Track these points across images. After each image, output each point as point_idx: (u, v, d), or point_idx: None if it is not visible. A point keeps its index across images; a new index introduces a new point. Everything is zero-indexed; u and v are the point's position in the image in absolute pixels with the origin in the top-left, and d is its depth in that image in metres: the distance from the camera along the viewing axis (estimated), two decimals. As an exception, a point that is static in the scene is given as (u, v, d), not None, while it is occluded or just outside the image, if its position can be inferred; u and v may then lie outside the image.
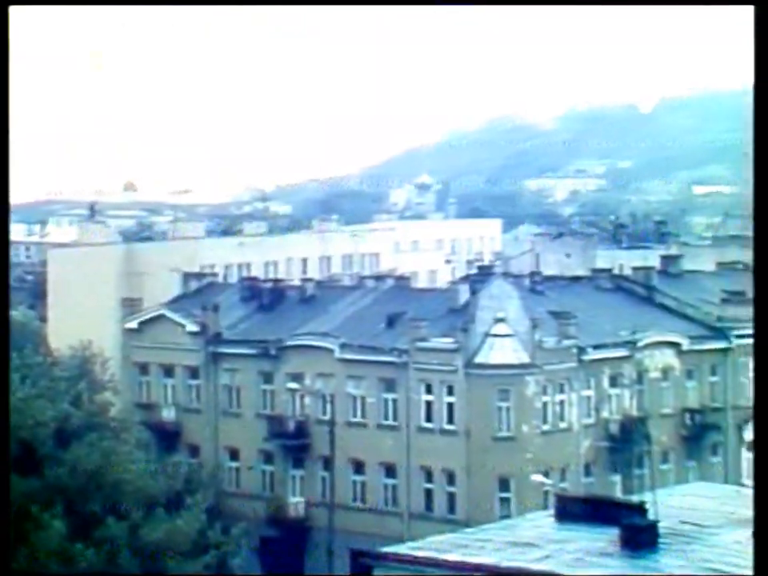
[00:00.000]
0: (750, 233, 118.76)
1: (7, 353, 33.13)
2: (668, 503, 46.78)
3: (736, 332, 70.47)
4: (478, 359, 62.74)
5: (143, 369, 74.76)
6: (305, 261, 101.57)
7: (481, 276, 71.25)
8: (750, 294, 74.23)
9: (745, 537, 42.76)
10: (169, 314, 74.38)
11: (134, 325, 75.28)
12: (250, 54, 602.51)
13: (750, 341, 70.52)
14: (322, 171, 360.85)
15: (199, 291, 78.40)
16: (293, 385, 68.37)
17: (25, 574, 46.13)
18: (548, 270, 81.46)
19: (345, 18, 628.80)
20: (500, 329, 62.84)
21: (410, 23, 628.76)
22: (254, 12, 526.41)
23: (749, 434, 70.71)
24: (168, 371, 73.60)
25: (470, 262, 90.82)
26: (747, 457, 70.51)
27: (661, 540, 41.50)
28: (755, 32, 24.64)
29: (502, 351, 62.85)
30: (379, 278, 78.83)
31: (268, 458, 69.86)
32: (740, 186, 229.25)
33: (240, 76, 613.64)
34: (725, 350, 70.58)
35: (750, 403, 70.62)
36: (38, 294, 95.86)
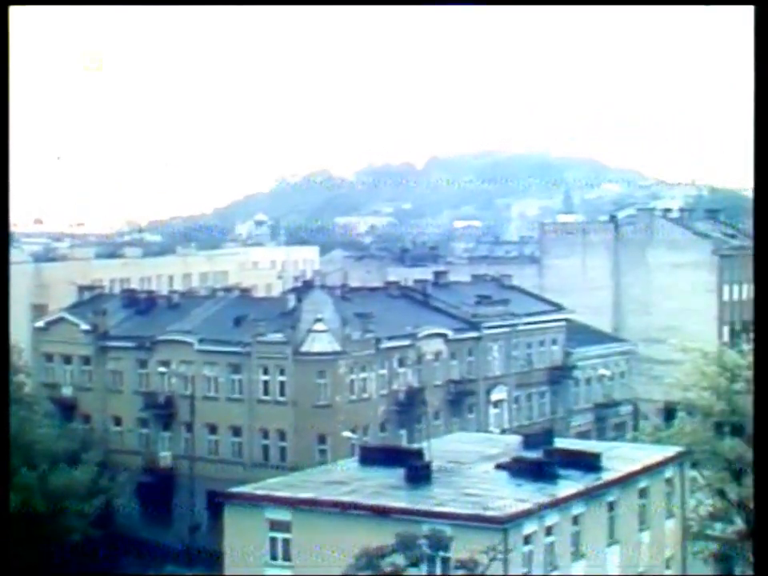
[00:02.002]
0: (496, 254, 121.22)
1: (7, 353, 30.06)
2: (439, 449, 48.06)
3: (485, 324, 72.39)
4: (303, 348, 63.02)
5: (48, 357, 73.46)
6: (171, 277, 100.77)
7: (304, 288, 71.75)
8: (495, 298, 76.72)
9: (490, 468, 44.33)
10: (68, 316, 73.39)
11: (41, 324, 74.18)
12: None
13: (495, 330, 72.98)
14: (183, 210, 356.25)
15: (91, 300, 77.28)
16: (162, 369, 68.07)
17: (25, 573, 44.11)
18: (354, 283, 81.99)
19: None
20: (318, 326, 63.23)
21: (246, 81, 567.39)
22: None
23: (494, 396, 72.79)
24: (67, 359, 72.45)
25: (296, 278, 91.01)
26: (493, 412, 72.48)
27: (434, 475, 42.79)
28: (755, 32, 21.01)
29: (320, 342, 63.24)
30: (228, 289, 78.70)
31: (144, 423, 69.17)
32: (487, 221, 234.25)
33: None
34: (477, 338, 72.08)
35: (496, 374, 73.00)
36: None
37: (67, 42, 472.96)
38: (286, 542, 40.08)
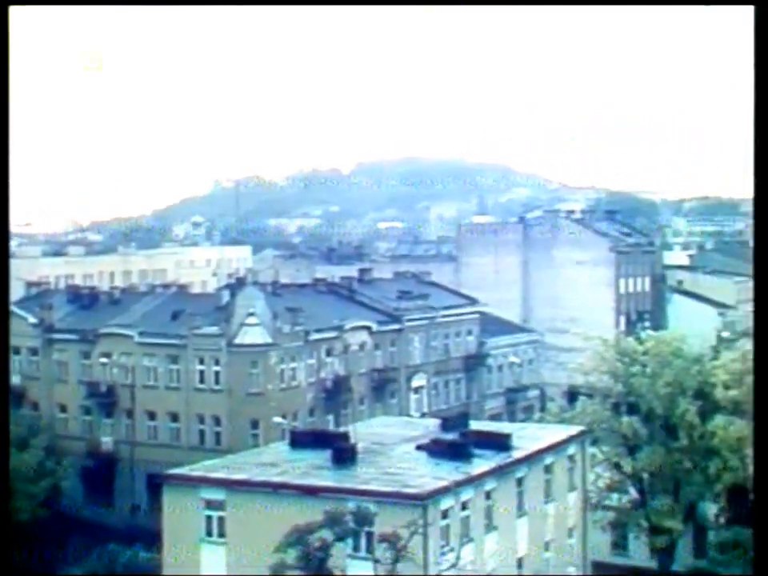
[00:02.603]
0: (416, 253, 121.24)
1: (7, 354, 27.91)
2: (364, 431, 47.95)
3: (406, 317, 72.40)
4: (236, 340, 62.41)
5: (-3, 350, 72.11)
6: (112, 274, 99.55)
7: (237, 285, 70.92)
8: (416, 293, 76.78)
9: (410, 449, 44.34)
10: (16, 310, 71.75)
11: (-10, 319, 72.63)
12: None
13: (415, 323, 73.05)
14: (123, 211, 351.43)
15: (37, 295, 75.87)
16: (104, 360, 66.94)
17: (25, 574, 42.86)
18: (284, 280, 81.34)
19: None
20: (251, 320, 62.71)
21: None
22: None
23: (414, 383, 72.81)
24: (16, 350, 70.62)
25: (230, 275, 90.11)
26: (413, 398, 72.54)
27: (359, 456, 42.66)
28: (755, 32, 19.42)
29: (253, 335, 62.68)
30: (166, 286, 77.76)
31: (87, 410, 68.00)
32: (408, 222, 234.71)
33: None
34: (399, 330, 72.03)
35: (416, 362, 73.06)
36: None
37: (67, 42, 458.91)
38: (220, 519, 39.71)
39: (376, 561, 33.01)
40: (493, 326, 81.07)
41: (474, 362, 77.71)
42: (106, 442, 66.64)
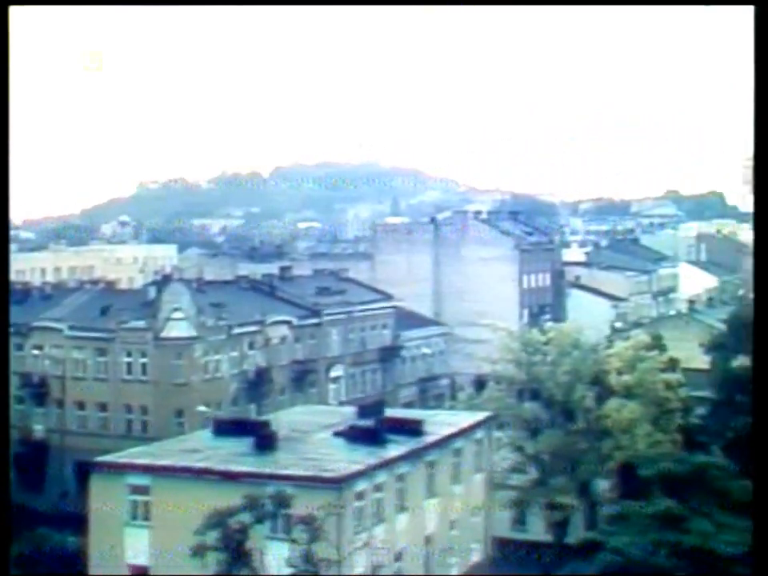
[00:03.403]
0: (334, 251, 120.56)
1: (7, 351, 26.73)
2: (284, 419, 47.55)
3: (325, 312, 71.94)
4: (162, 334, 61.43)
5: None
6: (43, 270, 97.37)
7: (163, 281, 69.76)
8: (334, 289, 76.40)
9: (328, 435, 43.99)
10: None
11: None
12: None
13: (334, 317, 72.62)
14: (54, 210, 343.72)
15: (-30, 291, 73.86)
16: (36, 352, 65.45)
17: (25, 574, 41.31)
18: (208, 277, 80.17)
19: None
20: (176, 314, 61.79)
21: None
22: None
23: (332, 373, 72.44)
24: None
25: (155, 273, 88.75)
26: (331, 387, 72.17)
27: (279, 443, 42.19)
28: (755, 32, 18.23)
29: (178, 329, 61.74)
30: (94, 282, 76.35)
31: (20, 400, 65.94)
32: (326, 223, 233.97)
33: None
34: (318, 324, 71.54)
35: (334, 354, 72.69)
36: None
37: (67, 42, 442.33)
38: (145, 504, 39.03)
39: (293, 541, 32.61)
40: (406, 319, 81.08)
41: (389, 354, 77.62)
42: (38, 430, 65.16)
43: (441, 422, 47.78)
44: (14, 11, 22.39)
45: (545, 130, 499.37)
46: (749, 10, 18.70)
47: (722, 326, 61.36)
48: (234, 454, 40.58)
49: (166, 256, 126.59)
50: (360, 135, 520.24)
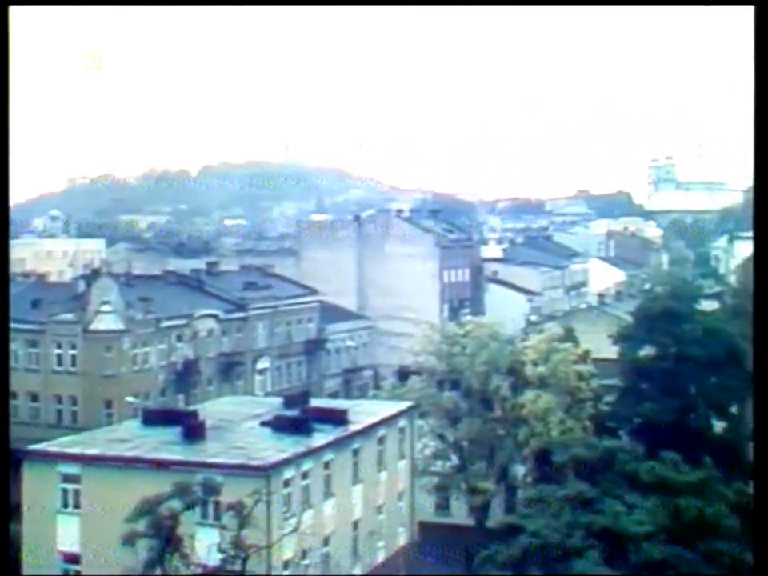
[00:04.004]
0: (260, 248, 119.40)
1: (7, 351, 25.26)
2: (212, 410, 47.15)
3: (251, 306, 71.49)
4: (92, 327, 60.52)
5: None
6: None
7: (92, 275, 68.56)
8: (260, 284, 75.90)
9: (255, 425, 43.75)
10: None
11: None
12: None
13: (260, 311, 72.21)
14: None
15: None
16: (-35, 346, 63.91)
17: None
18: (137, 272, 79.09)
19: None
20: (105, 308, 60.91)
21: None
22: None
23: (259, 365, 72.06)
24: None
25: (85, 266, 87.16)
26: (258, 379, 71.80)
27: (207, 432, 41.81)
28: (755, 32, 17.61)
29: (107, 322, 60.85)
30: (25, 275, 74.75)
31: (-52, 395, 64.83)
32: (252, 220, 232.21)
33: None
34: (245, 318, 71.10)
35: (261, 347, 72.30)
36: None
37: (67, 42, 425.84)
38: (76, 492, 38.39)
39: (222, 528, 32.38)
40: (331, 313, 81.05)
41: (314, 346, 77.51)
42: (-32, 422, 63.58)
43: (365, 412, 47.84)
44: (14, 11, 21.68)
45: (545, 130, 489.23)
46: (749, 10, 18.23)
47: (629, 318, 62.51)
48: (163, 443, 40.12)
49: (95, 250, 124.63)
50: (285, 136, 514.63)
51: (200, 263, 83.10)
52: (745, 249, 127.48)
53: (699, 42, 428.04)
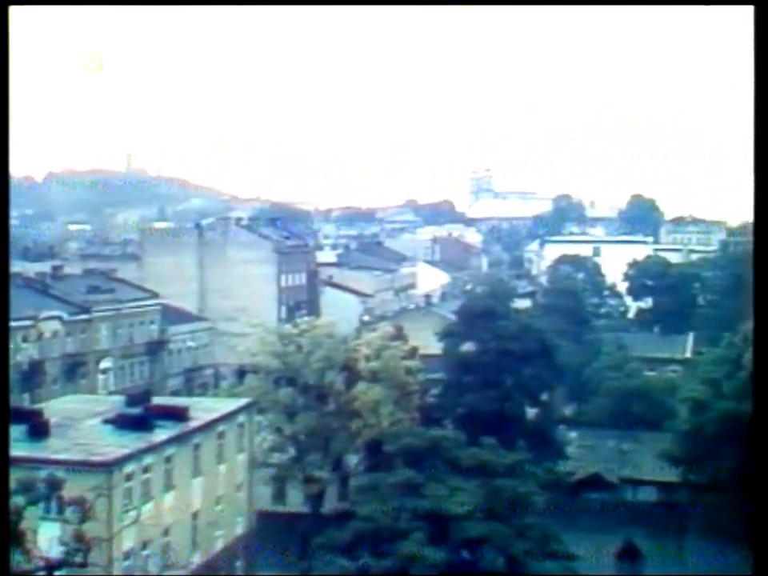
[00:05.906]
0: (104, 253, 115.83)
1: (7, 351, 22.26)
2: (56, 408, 45.78)
3: (95, 308, 69.58)
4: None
5: None
6: None
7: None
8: (103, 287, 73.90)
9: (98, 422, 42.78)
10: None
11: None
12: None
13: (103, 313, 70.24)
14: None
15: None
16: None
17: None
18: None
19: None
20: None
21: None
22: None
23: (102, 365, 70.23)
24: None
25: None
26: (101, 378, 69.94)
27: (52, 430, 40.64)
28: (755, 32, 16.84)
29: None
30: None
31: None
32: (96, 226, 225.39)
33: None
34: (88, 320, 69.00)
35: (104, 348, 70.38)
36: None
37: (67, 42, 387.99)
38: None
39: (65, 521, 31.53)
40: (173, 315, 79.96)
41: (156, 347, 76.26)
42: None
43: (205, 408, 47.55)
44: (14, 11, 20.28)
45: (545, 130, 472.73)
46: (749, 10, 17.32)
47: (453, 317, 64.40)
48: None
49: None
50: (129, 145, 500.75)
51: (45, 266, 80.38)
52: (553, 251, 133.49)
53: (699, 42, 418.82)
